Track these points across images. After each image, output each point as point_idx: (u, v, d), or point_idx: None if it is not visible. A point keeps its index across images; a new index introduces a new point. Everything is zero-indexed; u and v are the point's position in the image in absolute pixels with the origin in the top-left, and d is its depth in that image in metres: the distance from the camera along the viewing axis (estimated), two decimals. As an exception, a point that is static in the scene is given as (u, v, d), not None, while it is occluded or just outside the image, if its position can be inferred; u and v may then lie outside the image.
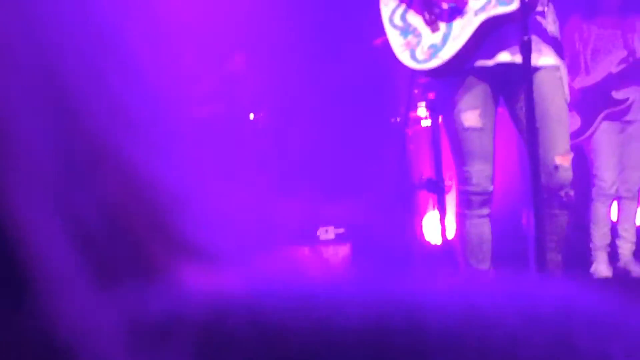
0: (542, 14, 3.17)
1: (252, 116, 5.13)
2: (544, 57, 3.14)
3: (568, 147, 3.21)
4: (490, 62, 3.13)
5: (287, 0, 5.42)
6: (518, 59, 2.99)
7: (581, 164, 4.91)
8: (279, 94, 5.39)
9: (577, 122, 5.23)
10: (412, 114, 4.89)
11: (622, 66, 5.24)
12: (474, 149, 3.21)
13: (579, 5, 5.34)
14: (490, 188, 3.25)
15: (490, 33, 3.10)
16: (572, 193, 3.16)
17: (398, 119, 4.90)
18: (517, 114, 3.20)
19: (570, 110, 3.50)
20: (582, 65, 5.31)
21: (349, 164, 5.52)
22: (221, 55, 5.06)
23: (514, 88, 3.17)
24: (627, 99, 5.25)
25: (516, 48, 3.00)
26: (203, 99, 4.88)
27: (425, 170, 4.66)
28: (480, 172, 3.21)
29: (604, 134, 5.21)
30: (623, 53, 5.26)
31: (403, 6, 3.22)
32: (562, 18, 4.25)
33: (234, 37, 4.97)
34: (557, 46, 3.22)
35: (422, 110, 4.89)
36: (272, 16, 5.10)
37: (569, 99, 3.25)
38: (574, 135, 5.16)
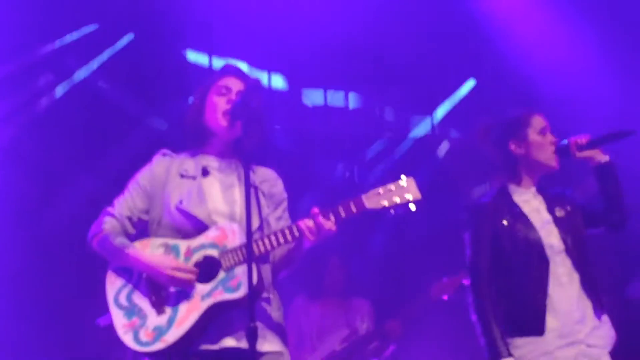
0: (268, 300, 3.23)
1: None
2: (268, 344, 3.17)
3: None
4: (215, 347, 3.10)
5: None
6: (243, 344, 3.01)
7: None
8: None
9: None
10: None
11: (345, 344, 5.44)
12: None
13: (304, 285, 5.58)
14: None
15: (217, 318, 3.09)
16: None
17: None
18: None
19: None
20: (308, 343, 5.45)
21: None
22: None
23: (238, 370, 3.14)
24: (350, 377, 5.41)
25: (242, 334, 3.03)
26: None
27: None
28: None
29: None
30: (346, 331, 5.48)
31: (130, 286, 3.16)
32: (287, 299, 4.41)
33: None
34: (282, 332, 3.27)
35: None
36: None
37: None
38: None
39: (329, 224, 3.07)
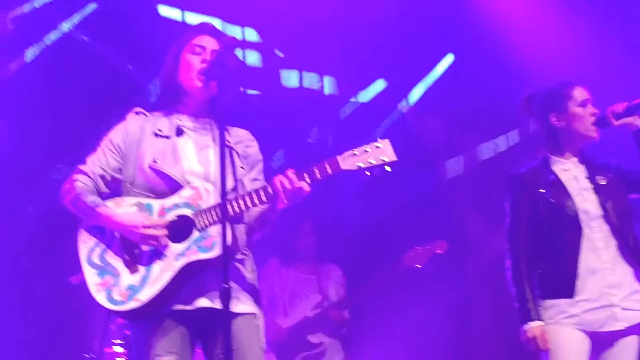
0: (242, 261, 3.22)
1: None
2: (242, 305, 3.16)
3: None
4: (189, 307, 3.09)
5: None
6: (217, 305, 2.98)
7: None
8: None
9: (273, 363, 5.28)
10: (107, 350, 4.66)
11: (317, 310, 5.45)
12: None
13: (278, 249, 5.57)
14: None
15: (191, 278, 3.08)
16: None
17: (91, 355, 4.66)
18: (214, 360, 3.14)
19: (267, 351, 3.51)
20: (280, 307, 5.46)
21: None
22: None
23: (212, 333, 3.13)
24: (322, 342, 5.43)
25: (216, 294, 3.00)
26: None
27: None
28: None
29: (299, 376, 5.29)
30: (318, 298, 5.50)
31: (102, 245, 3.13)
32: (261, 260, 4.40)
33: None
34: (255, 294, 3.26)
35: (117, 347, 4.68)
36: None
37: (265, 346, 3.25)
38: (270, 376, 5.19)
39: (304, 185, 3.05)
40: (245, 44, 6.80)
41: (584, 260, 3.60)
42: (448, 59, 7.38)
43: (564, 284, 3.60)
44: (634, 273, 3.64)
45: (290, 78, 7.19)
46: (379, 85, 7.42)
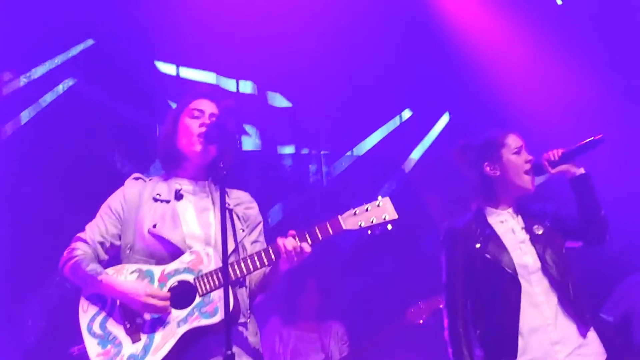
0: (245, 324, 3.18)
1: None
2: (246, 369, 3.11)
3: None
4: (192, 374, 3.03)
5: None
6: (221, 369, 2.93)
7: None
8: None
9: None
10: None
11: (320, 369, 5.38)
12: None
13: (279, 307, 5.50)
14: None
15: (193, 344, 3.03)
16: None
17: None
18: None
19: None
20: (282, 367, 5.38)
21: None
22: None
23: (215, 400, 3.07)
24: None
25: (219, 359, 2.95)
26: None
27: None
28: None
29: None
30: (321, 357, 5.42)
31: (103, 314, 3.09)
32: (263, 319, 4.34)
33: None
34: (258, 357, 3.22)
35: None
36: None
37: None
38: None
39: (305, 246, 3.02)
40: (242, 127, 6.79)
41: (525, 317, 3.44)
42: (444, 119, 7.42)
43: (506, 345, 3.42)
44: (577, 326, 3.46)
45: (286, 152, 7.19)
46: (374, 139, 7.45)
